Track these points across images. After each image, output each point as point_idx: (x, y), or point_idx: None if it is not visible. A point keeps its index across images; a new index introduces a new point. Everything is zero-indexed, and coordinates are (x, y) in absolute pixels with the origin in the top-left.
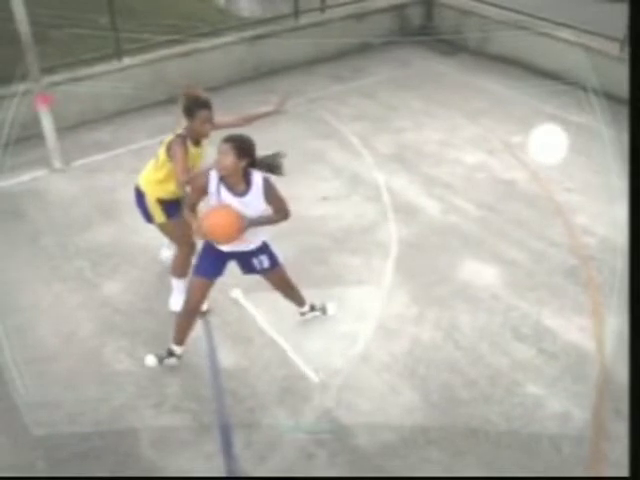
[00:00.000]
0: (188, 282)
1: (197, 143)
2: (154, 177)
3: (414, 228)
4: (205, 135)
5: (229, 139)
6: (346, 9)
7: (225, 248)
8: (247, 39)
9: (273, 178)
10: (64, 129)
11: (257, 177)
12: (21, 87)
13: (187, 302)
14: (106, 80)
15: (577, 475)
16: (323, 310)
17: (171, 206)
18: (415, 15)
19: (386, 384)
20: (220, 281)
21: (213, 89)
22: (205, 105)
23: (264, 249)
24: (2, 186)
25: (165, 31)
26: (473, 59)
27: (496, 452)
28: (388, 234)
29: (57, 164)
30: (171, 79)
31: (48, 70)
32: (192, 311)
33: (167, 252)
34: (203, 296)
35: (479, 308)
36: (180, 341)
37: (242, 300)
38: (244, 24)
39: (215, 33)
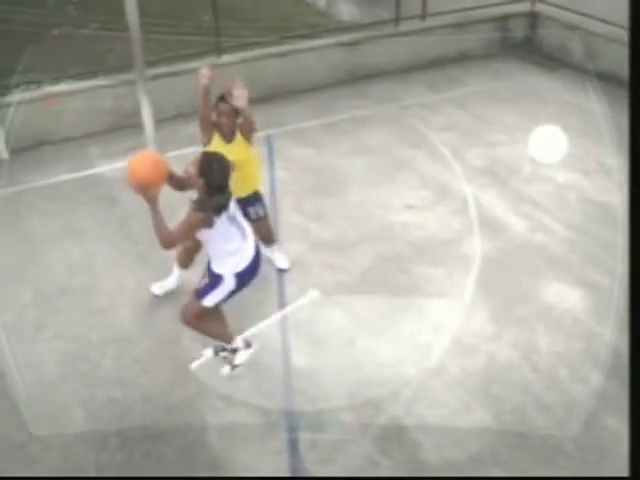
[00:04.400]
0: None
1: (226, 139)
2: None
3: (499, 244)
4: (220, 128)
5: (202, 154)
6: (447, 18)
7: None
8: (345, 43)
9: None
10: (161, 120)
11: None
12: (125, 77)
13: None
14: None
15: None
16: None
17: None
18: (518, 27)
19: (457, 400)
20: (297, 281)
21: (307, 90)
22: (223, 99)
23: (210, 275)
24: (99, 171)
25: (265, 31)
26: (576, 76)
27: None
28: (472, 248)
29: None
30: (266, 78)
31: (151, 63)
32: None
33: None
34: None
35: (560, 332)
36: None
37: (319, 301)
38: (343, 28)
39: (313, 35)
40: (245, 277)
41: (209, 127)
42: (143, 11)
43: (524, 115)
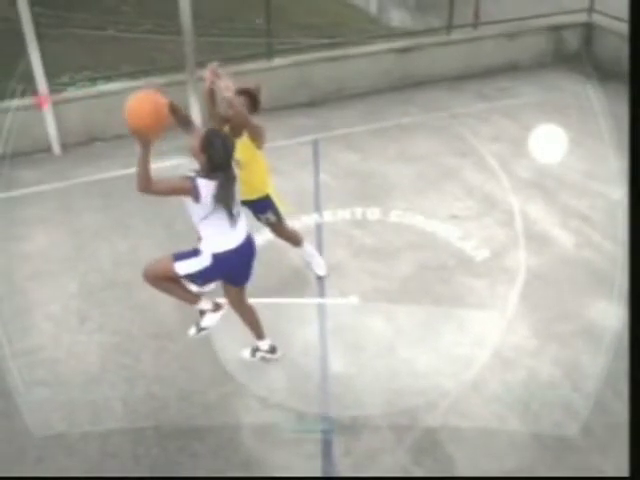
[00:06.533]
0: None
1: (233, 131)
2: None
3: (544, 258)
4: (230, 122)
5: (206, 129)
6: (499, 27)
7: None
8: (395, 49)
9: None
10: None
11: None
12: (177, 78)
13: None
14: (255, 78)
15: None
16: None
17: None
18: (572, 38)
19: (495, 415)
20: (338, 287)
21: (357, 96)
22: (239, 93)
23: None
24: None
25: (316, 36)
26: None
27: None
28: (516, 261)
29: None
30: (315, 83)
31: (202, 64)
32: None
33: None
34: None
35: (604, 351)
36: (258, 335)
37: (358, 307)
38: (394, 34)
39: (364, 41)
40: (225, 262)
41: (219, 123)
42: (196, 13)
43: (574, 127)
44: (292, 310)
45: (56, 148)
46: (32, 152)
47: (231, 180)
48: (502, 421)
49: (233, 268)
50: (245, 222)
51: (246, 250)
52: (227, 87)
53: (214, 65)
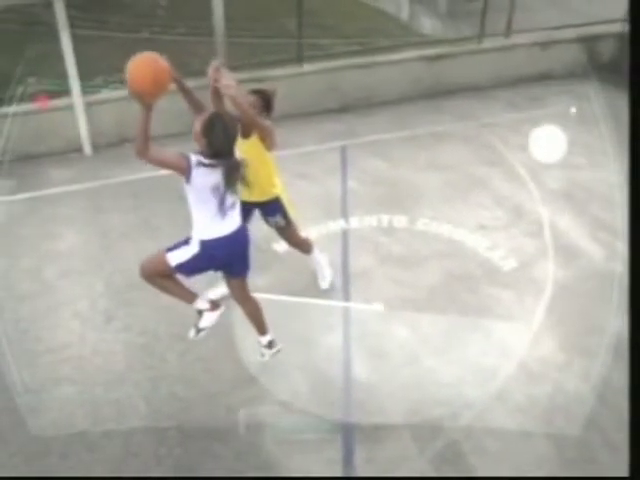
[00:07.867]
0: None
1: (242, 130)
2: None
3: (573, 271)
4: (240, 121)
5: (209, 113)
6: (532, 36)
7: None
8: (426, 57)
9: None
10: None
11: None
12: (207, 82)
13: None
14: (285, 83)
15: None
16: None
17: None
18: (607, 49)
19: (520, 427)
20: (363, 294)
21: (386, 103)
22: (253, 92)
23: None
24: None
25: (347, 41)
26: None
27: None
28: (544, 273)
29: None
30: (345, 89)
31: (233, 68)
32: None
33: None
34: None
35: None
36: (261, 331)
37: (383, 315)
38: (425, 42)
39: (395, 48)
40: (213, 250)
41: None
42: (228, 17)
43: (607, 139)
44: (316, 315)
45: (87, 148)
46: (64, 152)
47: (233, 168)
48: (526, 433)
49: (223, 257)
50: (239, 213)
51: (238, 239)
52: (227, 86)
53: (216, 63)
